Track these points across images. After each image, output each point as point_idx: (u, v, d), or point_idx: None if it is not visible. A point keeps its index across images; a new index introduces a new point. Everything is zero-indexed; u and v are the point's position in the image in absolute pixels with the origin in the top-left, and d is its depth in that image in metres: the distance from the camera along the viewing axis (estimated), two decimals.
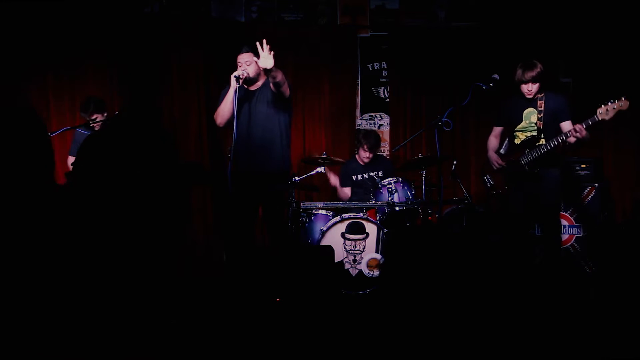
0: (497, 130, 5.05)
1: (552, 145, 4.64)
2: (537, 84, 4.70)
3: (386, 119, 6.80)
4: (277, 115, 4.72)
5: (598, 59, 6.44)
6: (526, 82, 4.68)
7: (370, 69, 6.80)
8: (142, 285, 3.76)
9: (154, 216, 3.72)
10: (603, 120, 4.47)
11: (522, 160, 4.80)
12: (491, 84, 4.70)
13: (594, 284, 5.35)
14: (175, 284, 5.40)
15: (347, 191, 6.04)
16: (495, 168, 5.00)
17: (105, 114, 5.28)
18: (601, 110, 4.46)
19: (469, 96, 4.70)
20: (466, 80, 5.22)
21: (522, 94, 4.76)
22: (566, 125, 4.67)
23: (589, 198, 5.65)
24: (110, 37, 6.01)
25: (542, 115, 4.70)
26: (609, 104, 4.46)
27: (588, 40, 6.47)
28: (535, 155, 4.73)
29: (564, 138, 4.58)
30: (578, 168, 5.77)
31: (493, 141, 5.06)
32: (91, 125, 5.23)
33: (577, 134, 4.49)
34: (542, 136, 4.73)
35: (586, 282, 5.41)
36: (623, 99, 4.44)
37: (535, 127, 4.74)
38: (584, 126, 4.49)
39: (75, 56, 5.95)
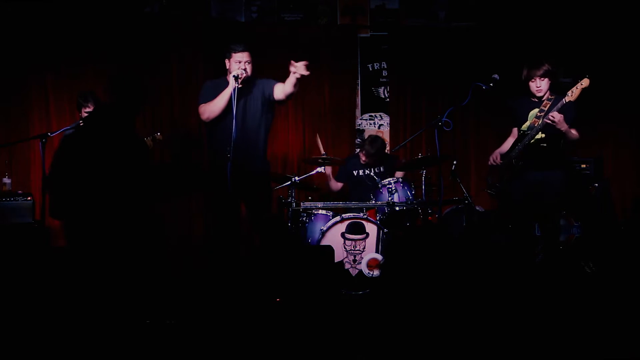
0: (515, 130, 5.02)
1: (533, 133, 4.66)
2: (546, 80, 4.69)
3: (386, 119, 6.79)
4: (263, 116, 4.84)
5: (599, 59, 6.43)
6: (533, 78, 4.68)
7: (370, 69, 6.80)
8: (119, 284, 3.77)
9: (127, 217, 3.74)
10: (570, 102, 4.55)
11: (512, 154, 4.82)
12: (491, 84, 4.70)
13: (594, 284, 5.35)
14: (172, 284, 5.41)
15: (338, 184, 6.05)
16: (489, 163, 5.00)
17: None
18: (568, 93, 4.54)
19: (469, 96, 4.71)
20: (466, 80, 5.21)
21: (531, 94, 4.76)
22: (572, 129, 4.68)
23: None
24: (110, 37, 6.01)
25: (542, 114, 4.69)
26: (574, 87, 4.53)
27: (588, 40, 6.46)
28: (521, 147, 4.74)
29: (542, 122, 4.61)
30: (578, 168, 5.77)
31: (508, 141, 5.05)
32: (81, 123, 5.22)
33: (552, 119, 4.53)
34: (543, 135, 4.72)
35: (586, 282, 5.41)
36: (586, 77, 4.52)
37: (532, 121, 4.74)
38: (557, 110, 4.55)
39: (75, 56, 5.96)
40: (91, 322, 3.67)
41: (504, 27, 6.59)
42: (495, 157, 4.95)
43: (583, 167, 5.76)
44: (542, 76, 4.68)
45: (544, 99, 4.74)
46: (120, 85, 3.84)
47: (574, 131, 4.65)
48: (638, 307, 4.34)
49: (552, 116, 4.52)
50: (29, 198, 5.29)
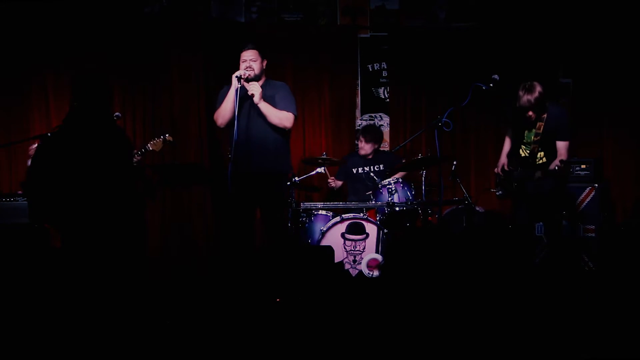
0: (507, 140, 5.05)
1: (536, 175, 4.68)
2: (537, 106, 4.66)
3: (386, 119, 6.79)
4: None
5: (599, 60, 6.43)
6: (527, 110, 4.65)
7: (370, 70, 6.80)
8: (138, 284, 3.77)
9: (112, 218, 3.73)
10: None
11: (514, 173, 4.84)
12: (491, 85, 4.71)
13: (594, 284, 5.35)
14: (173, 284, 5.41)
15: (338, 183, 6.06)
16: (495, 171, 5.01)
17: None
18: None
19: (469, 96, 4.71)
20: (466, 80, 5.21)
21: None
22: (561, 146, 4.70)
23: (589, 198, 5.65)
24: (110, 37, 6.01)
25: (539, 138, 4.71)
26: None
27: (589, 40, 6.46)
28: (521, 173, 4.79)
29: (548, 170, 4.61)
30: (578, 169, 5.77)
31: (508, 142, 5.05)
32: None
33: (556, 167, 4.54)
34: (540, 149, 4.75)
35: (586, 282, 5.41)
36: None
37: (531, 148, 4.76)
38: (560, 164, 4.50)
39: (75, 56, 5.95)
40: (90, 322, 3.67)
41: (504, 27, 6.58)
42: (501, 167, 4.96)
43: (583, 168, 5.76)
44: (534, 109, 4.63)
45: (536, 119, 4.73)
46: (83, 87, 3.83)
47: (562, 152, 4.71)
48: (638, 307, 4.34)
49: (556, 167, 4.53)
50: None
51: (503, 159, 5.00)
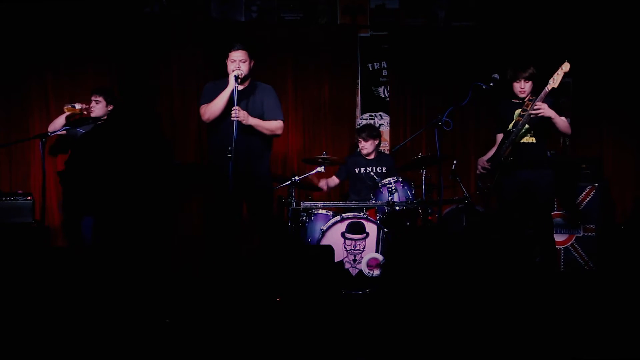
0: (499, 138, 5.03)
1: (519, 128, 4.68)
2: (530, 83, 4.73)
3: (386, 119, 6.79)
4: (262, 118, 4.77)
5: (599, 59, 6.43)
6: (518, 80, 4.72)
7: (371, 69, 6.80)
8: (137, 282, 3.78)
9: (145, 214, 3.75)
10: (553, 89, 4.57)
11: (501, 151, 4.82)
12: (491, 84, 4.71)
13: (594, 284, 5.35)
14: (172, 283, 5.42)
15: (336, 180, 6.05)
16: (478, 172, 5.01)
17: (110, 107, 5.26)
18: (550, 81, 4.56)
19: (469, 96, 4.72)
20: (466, 80, 5.21)
21: (514, 96, 4.80)
22: (562, 124, 4.69)
23: (589, 198, 5.65)
24: (110, 36, 6.02)
25: (525, 113, 4.70)
26: (555, 73, 4.55)
27: (588, 40, 6.46)
28: (509, 143, 4.74)
29: (527, 115, 4.63)
30: (575, 167, 5.78)
31: (493, 149, 5.04)
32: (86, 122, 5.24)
33: (538, 108, 4.56)
34: (530, 131, 4.74)
35: (585, 282, 5.41)
36: (566, 62, 4.53)
37: (516, 119, 4.76)
38: (541, 100, 4.56)
39: (75, 56, 5.96)
40: (90, 321, 3.67)
41: (504, 27, 6.58)
42: (483, 164, 4.95)
43: (583, 167, 5.76)
44: (527, 79, 4.73)
45: (526, 99, 4.75)
46: (129, 85, 3.87)
47: (562, 118, 4.71)
48: (638, 307, 4.35)
49: (536, 106, 4.57)
50: (29, 198, 5.29)
51: (481, 160, 5.00)
